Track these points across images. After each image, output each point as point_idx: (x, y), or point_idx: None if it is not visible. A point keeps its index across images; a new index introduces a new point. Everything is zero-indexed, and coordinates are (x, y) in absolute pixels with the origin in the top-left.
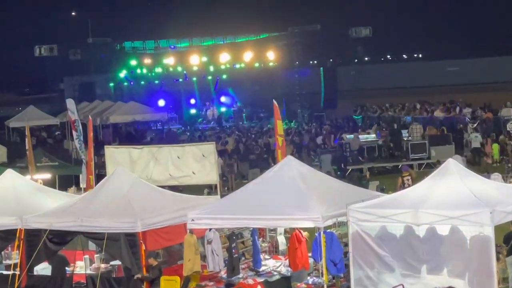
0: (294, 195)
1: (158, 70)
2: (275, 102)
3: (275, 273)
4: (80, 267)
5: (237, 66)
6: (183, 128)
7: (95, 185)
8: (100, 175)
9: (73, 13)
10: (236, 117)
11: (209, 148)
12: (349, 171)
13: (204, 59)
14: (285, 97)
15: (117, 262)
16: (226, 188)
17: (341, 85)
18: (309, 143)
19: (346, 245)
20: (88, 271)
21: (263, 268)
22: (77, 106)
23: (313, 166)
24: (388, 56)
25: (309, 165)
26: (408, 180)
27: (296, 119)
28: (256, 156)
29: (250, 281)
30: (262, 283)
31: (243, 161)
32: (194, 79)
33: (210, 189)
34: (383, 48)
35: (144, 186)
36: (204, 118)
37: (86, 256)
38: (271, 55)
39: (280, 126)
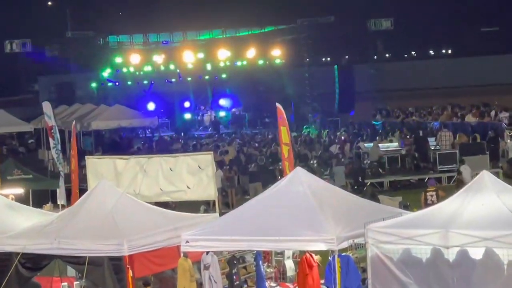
0: (304, 213)
1: (147, 68)
2: (278, 105)
3: None
4: None
5: (238, 63)
6: (176, 135)
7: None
8: (80, 190)
9: (49, 3)
10: (236, 122)
11: (206, 159)
12: (367, 185)
13: (200, 55)
14: (293, 99)
15: None
16: (226, 205)
17: (358, 85)
18: (322, 153)
19: (364, 270)
20: None
21: None
22: (54, 110)
23: (323, 179)
24: (413, 53)
25: (321, 177)
26: (432, 196)
27: (307, 125)
28: (259, 168)
29: None
30: None
31: (245, 173)
32: (189, 79)
33: (207, 205)
34: (407, 43)
35: (131, 202)
36: (200, 124)
37: (65, 284)
38: (278, 51)
39: (284, 133)
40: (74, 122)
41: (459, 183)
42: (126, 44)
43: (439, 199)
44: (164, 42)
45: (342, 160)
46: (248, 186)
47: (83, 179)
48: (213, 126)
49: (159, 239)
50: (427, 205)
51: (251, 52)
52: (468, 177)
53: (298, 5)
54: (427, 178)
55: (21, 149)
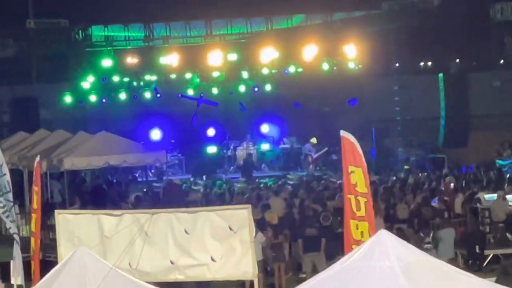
0: None
1: (151, 77)
2: (344, 134)
3: None
4: None
5: (291, 69)
6: (194, 179)
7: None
8: (45, 262)
9: None
10: (287, 160)
11: (240, 216)
12: (489, 258)
13: (233, 57)
14: (375, 125)
15: None
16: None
17: (475, 104)
18: (420, 208)
19: None
20: None
21: None
22: (6, 139)
23: (422, 249)
24: None
25: (418, 247)
26: None
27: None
28: (322, 231)
29: None
30: None
31: (298, 239)
32: (215, 92)
33: None
34: None
35: (125, 283)
36: (231, 162)
37: None
38: (352, 51)
39: (359, 178)
40: (38, 159)
41: None
42: (119, 40)
43: None
44: (177, 37)
45: (450, 220)
46: (303, 258)
47: (50, 245)
48: (241, 166)
49: None
50: None
51: (310, 52)
52: None
53: None
54: None
55: None
